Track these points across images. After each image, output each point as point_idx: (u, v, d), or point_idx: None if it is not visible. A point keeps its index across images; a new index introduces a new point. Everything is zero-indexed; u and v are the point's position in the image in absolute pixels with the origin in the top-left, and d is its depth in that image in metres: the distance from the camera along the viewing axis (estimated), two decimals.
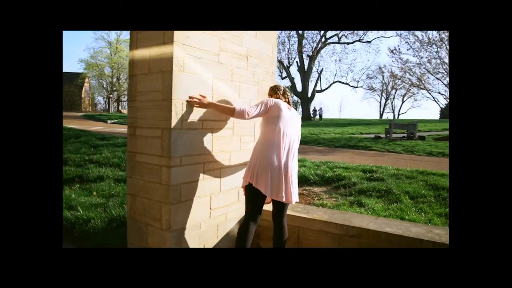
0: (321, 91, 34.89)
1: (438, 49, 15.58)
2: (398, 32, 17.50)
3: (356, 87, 36.31)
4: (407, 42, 16.61)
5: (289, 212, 3.01)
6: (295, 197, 2.45)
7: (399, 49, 17.15)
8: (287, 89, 2.80)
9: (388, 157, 9.12)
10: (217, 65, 2.57)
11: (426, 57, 16.10)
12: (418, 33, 16.03)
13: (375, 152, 10.34)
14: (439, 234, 2.55)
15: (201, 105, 2.36)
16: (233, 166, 2.85)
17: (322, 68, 34.73)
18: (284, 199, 2.38)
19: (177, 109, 2.26)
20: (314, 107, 36.29)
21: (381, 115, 56.79)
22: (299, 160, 6.73)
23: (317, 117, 35.12)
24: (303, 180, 4.93)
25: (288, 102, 2.69)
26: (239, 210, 2.98)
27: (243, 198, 2.98)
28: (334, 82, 34.98)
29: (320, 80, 33.80)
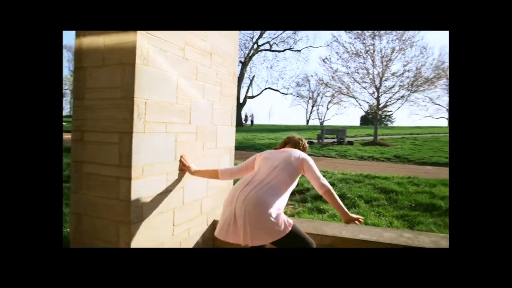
0: (253, 97, 35.37)
1: (364, 60, 16.73)
2: (327, 41, 18.40)
3: (286, 94, 37.59)
4: (337, 52, 17.56)
5: None
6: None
7: (330, 58, 17.99)
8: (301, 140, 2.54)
9: (325, 161, 9.41)
10: (183, 61, 2.26)
11: (354, 67, 17.18)
12: (346, 44, 17.06)
13: (312, 157, 10.59)
14: (411, 238, 2.55)
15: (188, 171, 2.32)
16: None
17: (254, 75, 35.31)
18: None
19: (140, 110, 1.90)
20: (246, 113, 36.64)
21: (307, 121, 59.55)
22: None
23: (249, 122, 35.49)
24: None
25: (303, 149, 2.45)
26: (202, 224, 2.67)
27: (205, 211, 2.70)
28: (265, 89, 35.77)
29: (252, 87, 34.26)
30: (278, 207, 1.96)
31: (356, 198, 3.99)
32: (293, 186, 2.13)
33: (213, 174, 2.39)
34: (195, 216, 2.56)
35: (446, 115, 55.98)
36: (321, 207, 3.69)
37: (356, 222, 1.86)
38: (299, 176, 2.16)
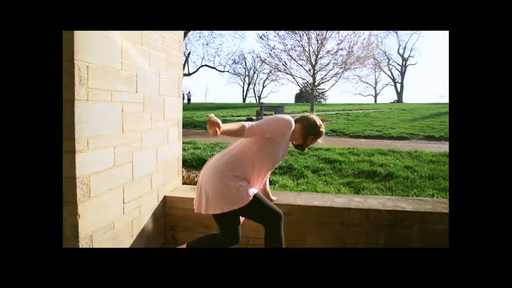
0: (189, 74, 34.32)
1: (300, 37, 17.02)
2: None
3: (223, 71, 37.08)
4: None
5: None
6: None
7: (267, 35, 17.98)
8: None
9: None
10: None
11: (291, 45, 17.41)
12: None
13: None
14: (360, 201, 2.69)
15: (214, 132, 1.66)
16: (146, 149, 2.37)
17: (190, 51, 34.13)
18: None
19: (82, 75, 1.67)
20: (182, 90, 35.52)
21: (244, 99, 59.73)
22: (186, 143, 6.37)
23: (185, 101, 34.54)
24: (201, 163, 4.64)
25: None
26: (152, 201, 2.52)
27: (156, 187, 2.56)
28: (201, 66, 34.87)
29: (188, 64, 33.17)
30: (238, 176, 1.90)
31: (303, 169, 4.10)
32: (262, 156, 1.94)
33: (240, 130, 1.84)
34: (145, 193, 2.40)
35: (373, 92, 60.13)
36: (271, 179, 3.73)
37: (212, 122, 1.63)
38: (263, 140, 1.94)
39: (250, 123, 1.87)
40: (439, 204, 2.72)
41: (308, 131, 2.10)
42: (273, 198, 2.58)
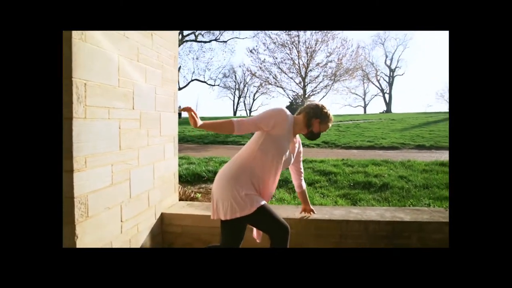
0: (179, 89, 34.36)
1: (290, 50, 17.25)
2: (255, 32, 18.57)
3: (213, 85, 37.21)
4: (264, 43, 17.82)
5: (206, 212, 2.69)
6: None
7: (257, 49, 18.19)
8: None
9: None
10: (123, 40, 2.04)
11: (280, 58, 17.62)
12: (273, 35, 17.36)
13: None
14: (359, 213, 2.69)
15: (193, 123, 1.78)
16: (143, 166, 2.34)
17: (180, 66, 34.25)
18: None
19: (79, 92, 1.66)
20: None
21: (235, 113, 59.83)
22: (180, 158, 6.33)
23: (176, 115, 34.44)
24: (196, 178, 4.60)
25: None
26: (150, 218, 2.48)
27: (153, 204, 2.52)
28: (192, 80, 34.98)
29: (178, 78, 33.25)
30: (246, 183, 1.87)
31: None
32: (266, 152, 1.89)
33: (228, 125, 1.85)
34: (143, 210, 2.37)
35: (363, 103, 60.85)
36: None
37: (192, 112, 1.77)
38: (263, 138, 1.91)
39: (239, 118, 1.88)
40: (436, 213, 2.73)
41: (310, 115, 2.01)
42: (312, 208, 2.57)
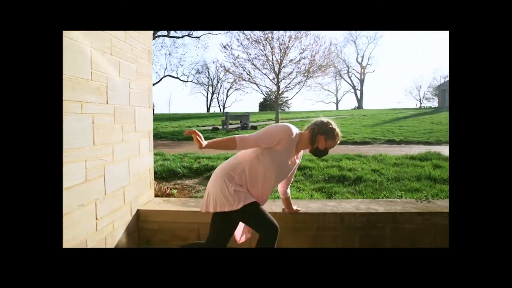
0: (152, 85, 33.70)
1: (264, 47, 17.27)
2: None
3: (186, 81, 36.73)
4: (237, 39, 17.72)
5: (182, 208, 2.66)
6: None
7: (231, 45, 18.07)
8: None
9: None
10: (95, 32, 1.97)
11: (254, 54, 17.60)
12: (246, 32, 17.28)
13: None
14: (335, 206, 2.75)
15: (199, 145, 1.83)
16: (117, 162, 2.28)
17: (152, 62, 33.55)
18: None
19: None
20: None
21: (208, 109, 59.34)
22: (155, 154, 6.20)
23: None
24: (172, 174, 4.54)
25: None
26: (125, 215, 2.43)
27: (129, 200, 2.48)
28: (164, 76, 34.41)
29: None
30: (238, 181, 1.88)
31: None
32: (262, 163, 1.90)
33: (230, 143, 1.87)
34: (118, 207, 2.31)
35: (335, 99, 61.94)
36: None
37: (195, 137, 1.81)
38: (262, 149, 1.92)
39: (242, 135, 1.89)
40: (408, 204, 2.83)
41: (315, 131, 1.99)
42: (296, 208, 2.58)
